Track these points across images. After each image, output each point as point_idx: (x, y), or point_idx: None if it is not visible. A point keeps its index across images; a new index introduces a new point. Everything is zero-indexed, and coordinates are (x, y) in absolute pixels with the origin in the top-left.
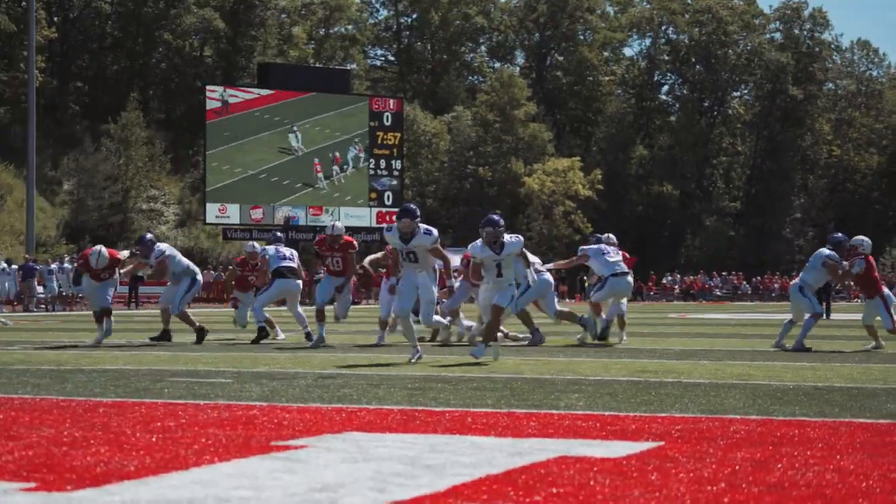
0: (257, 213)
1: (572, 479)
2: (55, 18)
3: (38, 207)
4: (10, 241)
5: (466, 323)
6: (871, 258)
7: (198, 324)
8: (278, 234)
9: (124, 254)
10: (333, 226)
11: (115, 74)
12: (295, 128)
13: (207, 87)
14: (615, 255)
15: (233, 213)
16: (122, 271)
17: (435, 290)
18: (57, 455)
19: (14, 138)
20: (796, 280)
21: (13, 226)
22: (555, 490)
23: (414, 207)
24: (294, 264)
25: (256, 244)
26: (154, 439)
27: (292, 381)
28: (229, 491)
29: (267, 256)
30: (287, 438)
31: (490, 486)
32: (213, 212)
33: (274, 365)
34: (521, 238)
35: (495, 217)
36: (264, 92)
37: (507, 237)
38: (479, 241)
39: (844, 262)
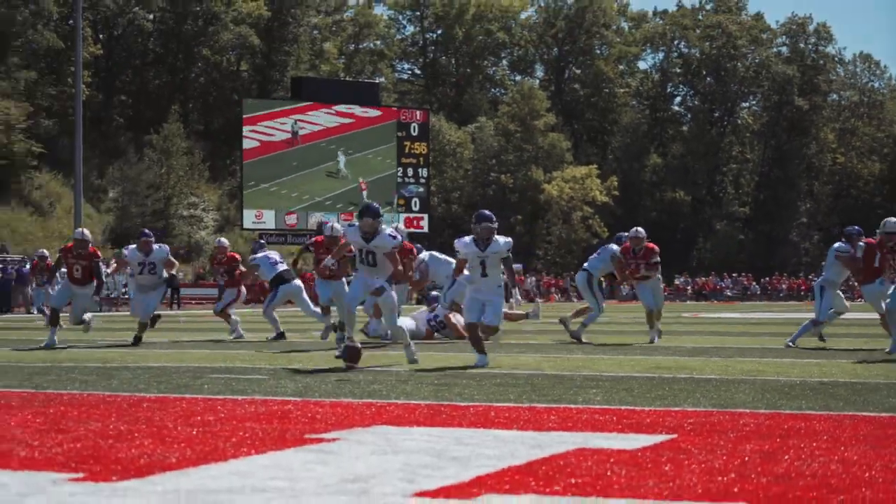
0: (291, 219)
1: (590, 469)
2: (100, 36)
3: (85, 214)
4: (59, 246)
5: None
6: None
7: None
8: (262, 241)
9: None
10: (332, 227)
11: (157, 88)
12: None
13: (244, 101)
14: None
15: (268, 219)
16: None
17: (394, 294)
18: (103, 447)
19: (62, 149)
20: (819, 278)
21: (62, 231)
22: (573, 480)
23: (377, 207)
24: (286, 266)
25: (224, 240)
26: (194, 432)
27: (325, 378)
28: (265, 481)
29: (257, 263)
30: (320, 432)
31: (512, 476)
32: (249, 217)
33: (308, 362)
34: (511, 241)
35: (488, 213)
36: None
37: (498, 238)
38: (467, 237)
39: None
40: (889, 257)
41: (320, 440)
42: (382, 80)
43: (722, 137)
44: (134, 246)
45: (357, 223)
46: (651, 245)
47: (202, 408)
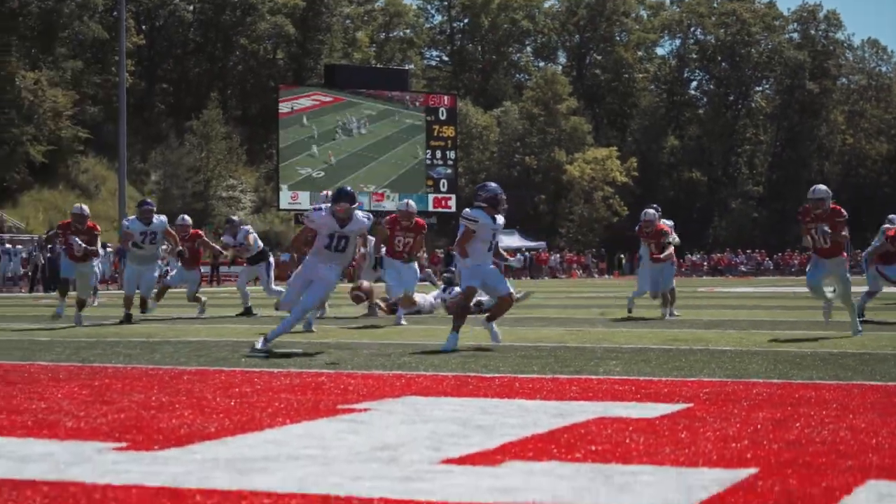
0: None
1: (610, 437)
2: (143, 27)
3: (128, 196)
4: (104, 227)
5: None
6: None
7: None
8: (234, 218)
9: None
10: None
11: (197, 76)
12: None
13: (280, 87)
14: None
15: (304, 200)
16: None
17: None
18: (146, 418)
19: (107, 135)
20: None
21: (107, 213)
22: (594, 448)
23: (351, 191)
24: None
25: (188, 217)
26: (232, 403)
27: (356, 351)
28: (299, 450)
29: (252, 239)
30: (352, 402)
31: (535, 444)
32: (285, 199)
33: (340, 336)
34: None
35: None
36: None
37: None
38: (478, 209)
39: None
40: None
41: (352, 410)
42: (412, 66)
43: (736, 120)
44: (134, 217)
45: (327, 207)
46: (661, 226)
47: (240, 380)
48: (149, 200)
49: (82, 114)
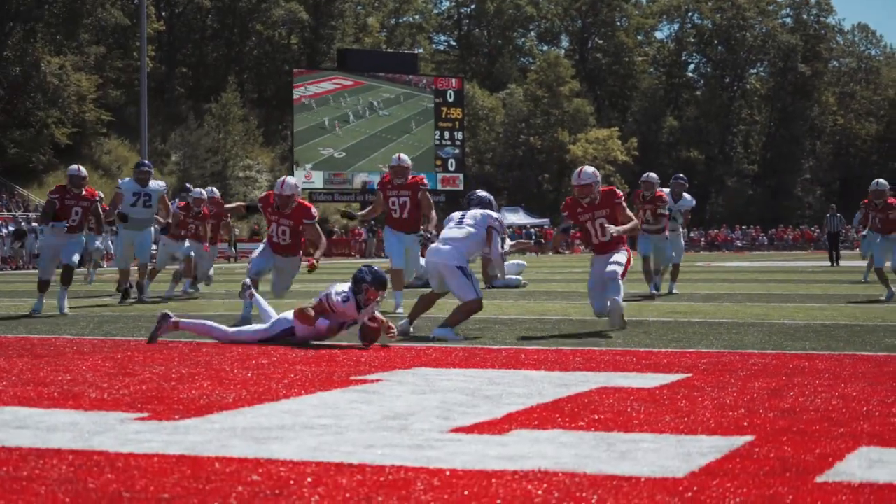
0: (339, 180)
1: (612, 406)
2: (163, 13)
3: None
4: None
5: None
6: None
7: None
8: (188, 186)
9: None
10: (284, 182)
11: (215, 61)
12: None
13: (295, 71)
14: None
15: (317, 179)
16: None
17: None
18: (166, 389)
19: (129, 117)
20: None
21: None
22: (596, 416)
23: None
24: None
25: (204, 191)
26: (249, 375)
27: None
28: (313, 419)
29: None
30: (364, 374)
31: (540, 413)
32: (300, 178)
33: None
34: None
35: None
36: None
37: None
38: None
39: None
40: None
41: (364, 381)
42: (421, 51)
43: (732, 101)
44: (129, 178)
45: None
46: (661, 192)
47: (256, 353)
48: (146, 162)
49: (105, 97)
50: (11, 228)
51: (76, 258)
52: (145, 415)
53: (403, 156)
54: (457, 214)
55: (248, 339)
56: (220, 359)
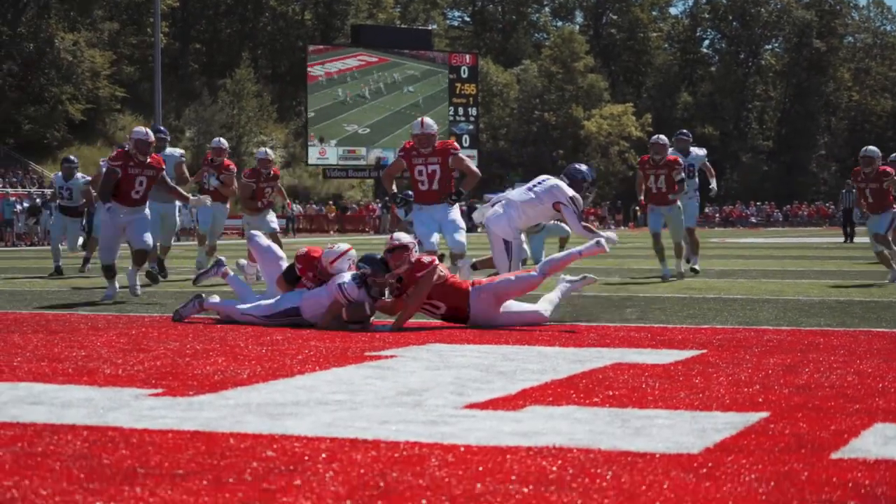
0: (353, 156)
1: (626, 382)
2: None
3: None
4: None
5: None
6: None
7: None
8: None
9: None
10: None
11: (229, 37)
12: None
13: (309, 47)
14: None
15: (331, 155)
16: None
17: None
18: (181, 365)
19: (143, 93)
20: None
21: None
22: (611, 392)
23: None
24: None
25: (223, 140)
26: (264, 351)
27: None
28: (328, 395)
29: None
30: (378, 349)
31: (555, 389)
32: (314, 154)
33: None
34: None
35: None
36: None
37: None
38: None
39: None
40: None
41: (379, 357)
42: (435, 27)
43: (747, 77)
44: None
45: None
46: (674, 157)
47: (271, 328)
48: (162, 128)
49: (119, 73)
50: (26, 205)
51: (149, 238)
52: (160, 391)
53: (428, 120)
54: (536, 179)
55: (255, 320)
56: (234, 335)
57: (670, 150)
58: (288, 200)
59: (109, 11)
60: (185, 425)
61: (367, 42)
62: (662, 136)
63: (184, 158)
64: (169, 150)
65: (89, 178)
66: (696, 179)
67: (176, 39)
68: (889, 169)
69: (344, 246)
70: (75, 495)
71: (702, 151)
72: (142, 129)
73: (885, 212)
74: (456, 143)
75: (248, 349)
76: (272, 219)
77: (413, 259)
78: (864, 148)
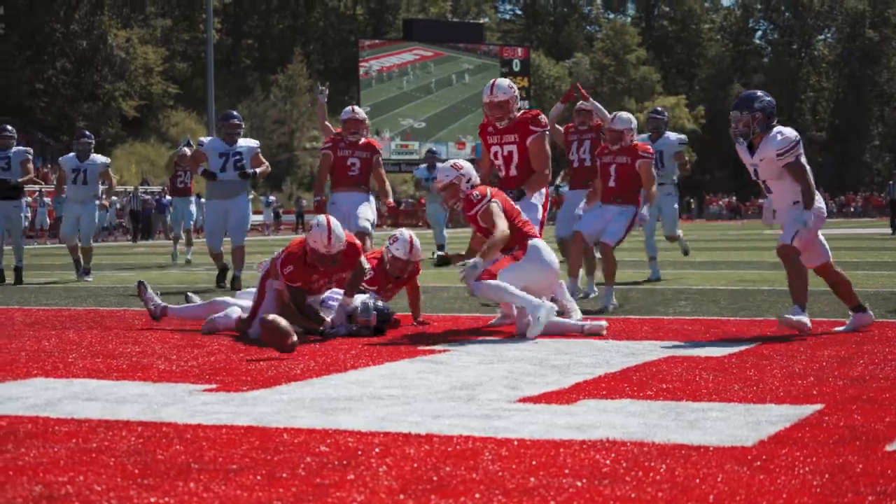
0: (406, 151)
1: (680, 375)
2: None
3: None
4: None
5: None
6: None
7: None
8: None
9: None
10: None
11: (281, 32)
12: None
13: (360, 42)
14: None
15: (385, 150)
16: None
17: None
18: (234, 360)
19: (195, 90)
20: None
21: None
22: (665, 385)
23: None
24: None
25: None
26: (317, 346)
27: (436, 294)
28: (381, 390)
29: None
30: (432, 344)
31: (608, 383)
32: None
33: (420, 280)
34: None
35: None
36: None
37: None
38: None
39: None
40: None
41: (432, 351)
42: (486, 20)
43: (799, 68)
44: (210, 139)
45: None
46: (643, 146)
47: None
48: (235, 113)
49: (172, 70)
50: None
51: (368, 221)
52: (213, 386)
53: (502, 82)
54: None
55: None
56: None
57: (642, 136)
58: (388, 199)
59: (162, 8)
60: (238, 420)
61: (418, 36)
62: (623, 115)
63: (259, 149)
64: (242, 141)
65: (108, 161)
66: (673, 174)
67: (228, 35)
68: None
69: (406, 232)
70: (129, 491)
71: (675, 137)
72: (349, 108)
73: None
74: (541, 115)
75: (302, 345)
76: (363, 212)
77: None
78: None
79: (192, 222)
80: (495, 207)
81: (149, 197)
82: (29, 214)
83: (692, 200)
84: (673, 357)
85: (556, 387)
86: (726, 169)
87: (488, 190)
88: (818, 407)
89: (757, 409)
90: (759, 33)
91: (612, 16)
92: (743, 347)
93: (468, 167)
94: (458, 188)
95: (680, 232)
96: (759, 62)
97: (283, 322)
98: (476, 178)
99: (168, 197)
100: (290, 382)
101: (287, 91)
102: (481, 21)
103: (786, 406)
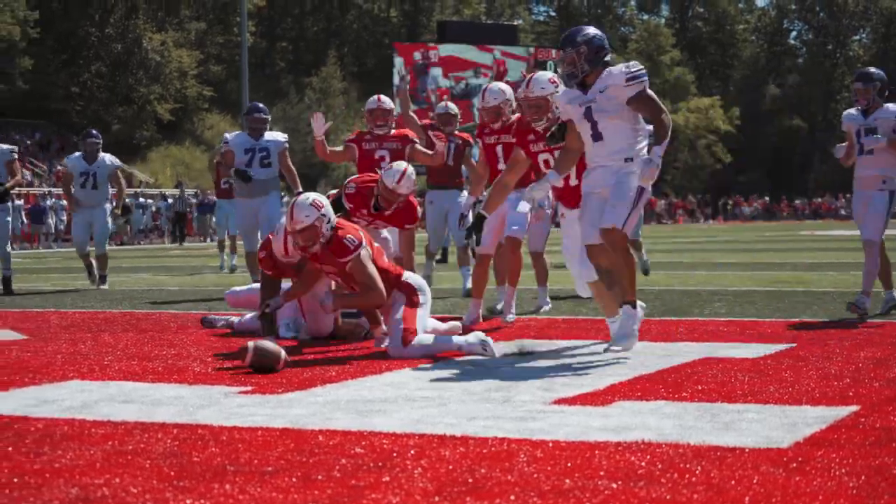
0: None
1: (715, 377)
2: None
3: None
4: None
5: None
6: None
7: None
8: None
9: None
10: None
11: (315, 35)
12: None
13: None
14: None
15: None
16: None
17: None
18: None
19: (230, 92)
20: None
21: None
22: (700, 387)
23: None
24: None
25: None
26: (352, 348)
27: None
28: (416, 392)
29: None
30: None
31: (644, 384)
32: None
33: (456, 282)
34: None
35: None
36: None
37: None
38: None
39: None
40: None
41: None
42: (520, 21)
43: (835, 68)
44: (234, 133)
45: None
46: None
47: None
48: (261, 106)
49: (206, 73)
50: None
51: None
52: (249, 388)
53: (496, 86)
54: None
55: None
56: None
57: None
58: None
59: (196, 11)
60: (274, 422)
61: (453, 38)
62: (497, 87)
63: (286, 144)
64: (269, 135)
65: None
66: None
67: (263, 38)
68: None
69: (402, 164)
70: (165, 493)
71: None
72: (374, 97)
73: None
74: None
75: (337, 347)
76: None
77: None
78: None
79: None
80: (366, 255)
81: (195, 200)
82: (64, 218)
83: (728, 202)
84: (708, 358)
85: (592, 388)
86: (761, 170)
87: (361, 233)
88: (854, 408)
89: (793, 410)
90: (794, 34)
91: (645, 17)
92: (778, 348)
93: (328, 206)
94: (319, 231)
95: (645, 254)
96: (794, 63)
97: (269, 345)
98: (334, 219)
99: (213, 198)
100: (325, 384)
101: (321, 93)
102: (515, 23)
103: (822, 407)
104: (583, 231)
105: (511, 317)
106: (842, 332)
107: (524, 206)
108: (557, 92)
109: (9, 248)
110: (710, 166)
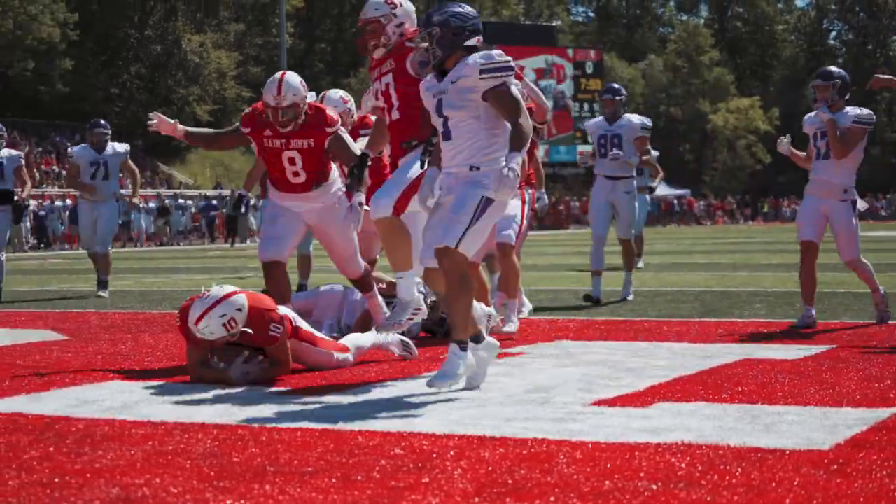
0: None
1: (755, 378)
2: None
3: None
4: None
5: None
6: None
7: None
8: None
9: None
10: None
11: (353, 36)
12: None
13: None
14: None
15: None
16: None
17: None
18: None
19: None
20: None
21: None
22: (740, 389)
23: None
24: None
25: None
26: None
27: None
28: (456, 393)
29: None
30: (506, 347)
31: (683, 386)
32: None
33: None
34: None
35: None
36: None
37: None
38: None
39: None
40: None
41: (506, 354)
42: (559, 23)
43: (875, 69)
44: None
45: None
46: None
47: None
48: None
49: (245, 74)
50: (151, 205)
51: None
52: (288, 389)
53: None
54: None
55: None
56: None
57: (596, 119)
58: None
59: (235, 13)
60: (313, 423)
61: (491, 39)
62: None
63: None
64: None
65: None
66: (634, 161)
67: (301, 39)
68: None
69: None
70: (205, 493)
71: (639, 120)
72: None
73: None
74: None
75: (377, 350)
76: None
77: None
78: None
79: None
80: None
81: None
82: None
83: (766, 203)
84: (748, 360)
85: (631, 390)
86: (801, 170)
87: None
88: (895, 410)
89: (833, 412)
90: (834, 34)
91: (684, 17)
92: (819, 350)
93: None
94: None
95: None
96: (834, 63)
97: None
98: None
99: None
100: (365, 385)
101: (359, 95)
102: (554, 24)
103: (862, 409)
104: (422, 252)
105: (512, 326)
106: (883, 333)
107: (513, 208)
108: (395, 16)
109: (2, 257)
110: (750, 167)
